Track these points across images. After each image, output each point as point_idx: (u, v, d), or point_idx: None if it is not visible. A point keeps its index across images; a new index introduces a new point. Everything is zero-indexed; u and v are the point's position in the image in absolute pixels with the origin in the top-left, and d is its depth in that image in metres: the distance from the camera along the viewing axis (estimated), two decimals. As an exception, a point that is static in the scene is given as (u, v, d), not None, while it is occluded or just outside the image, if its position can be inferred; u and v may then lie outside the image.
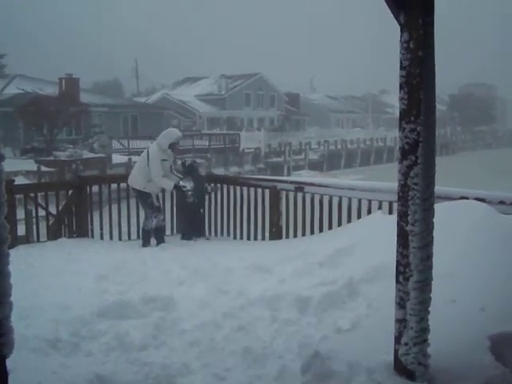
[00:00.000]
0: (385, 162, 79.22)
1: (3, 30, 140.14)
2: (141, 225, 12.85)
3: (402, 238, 4.80)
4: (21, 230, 12.39)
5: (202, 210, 13.37)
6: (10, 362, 3.56)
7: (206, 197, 13.38)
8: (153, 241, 12.56)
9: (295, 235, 11.78)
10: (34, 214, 12.94)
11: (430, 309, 4.79)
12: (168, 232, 13.83)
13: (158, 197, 12.79)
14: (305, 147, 68.70)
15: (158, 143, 12.50)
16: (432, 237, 4.74)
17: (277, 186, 12.05)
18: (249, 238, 12.70)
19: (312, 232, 11.42)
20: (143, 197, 12.51)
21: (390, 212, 9.89)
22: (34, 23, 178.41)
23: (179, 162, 13.84)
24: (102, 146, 46.03)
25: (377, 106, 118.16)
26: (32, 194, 12.96)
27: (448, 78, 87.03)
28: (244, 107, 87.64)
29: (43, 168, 37.17)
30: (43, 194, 13.05)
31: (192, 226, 13.02)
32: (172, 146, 12.67)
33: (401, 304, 4.85)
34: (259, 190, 12.44)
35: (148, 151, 12.48)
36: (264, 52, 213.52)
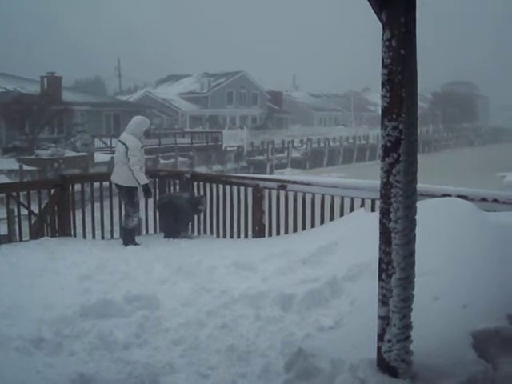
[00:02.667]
0: (367, 159, 79.47)
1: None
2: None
3: (385, 235, 4.82)
4: (3, 229, 12.35)
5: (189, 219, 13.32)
6: (-7, 362, 3.56)
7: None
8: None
9: (278, 233, 11.79)
10: (16, 213, 12.88)
11: (412, 306, 4.82)
12: (151, 230, 13.83)
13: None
14: (287, 145, 68.79)
15: (134, 133, 12.42)
16: (414, 234, 4.76)
17: (259, 184, 12.04)
18: (232, 237, 12.68)
19: (295, 230, 11.43)
20: (130, 194, 12.40)
21: (373, 209, 9.94)
22: (15, 21, 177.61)
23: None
24: (84, 145, 45.97)
25: (359, 104, 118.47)
26: (14, 193, 12.89)
27: (430, 76, 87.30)
28: (226, 105, 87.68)
29: (25, 167, 37.06)
30: (25, 192, 12.97)
31: (177, 225, 12.97)
32: (145, 133, 12.89)
33: (384, 301, 4.87)
34: (242, 189, 12.43)
35: (124, 143, 12.34)
36: (246, 50, 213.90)
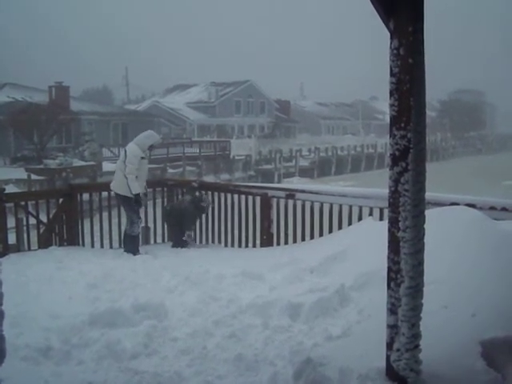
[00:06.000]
0: (375, 168, 79.26)
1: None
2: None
3: (393, 244, 4.81)
4: (11, 238, 12.35)
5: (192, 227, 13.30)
6: (1, 371, 3.55)
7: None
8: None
9: (286, 242, 11.79)
10: (24, 223, 12.90)
11: (421, 315, 4.80)
12: (159, 240, 13.85)
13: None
14: (295, 154, 68.71)
15: (138, 144, 12.42)
16: (423, 243, 4.75)
17: (268, 193, 12.05)
18: (240, 246, 12.69)
19: (303, 239, 11.42)
20: (129, 202, 12.42)
21: (381, 218, 9.92)
22: (23, 31, 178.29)
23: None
24: (92, 154, 46.01)
25: (367, 113, 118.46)
26: (23, 203, 12.92)
27: (438, 85, 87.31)
28: (234, 114, 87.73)
29: (34, 176, 37.06)
30: (34, 202, 13.02)
31: (183, 233, 13.00)
32: (151, 148, 12.84)
33: (392, 310, 4.86)
34: (250, 198, 12.44)
35: (125, 151, 12.42)
36: (254, 59, 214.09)
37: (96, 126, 56.90)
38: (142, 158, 12.39)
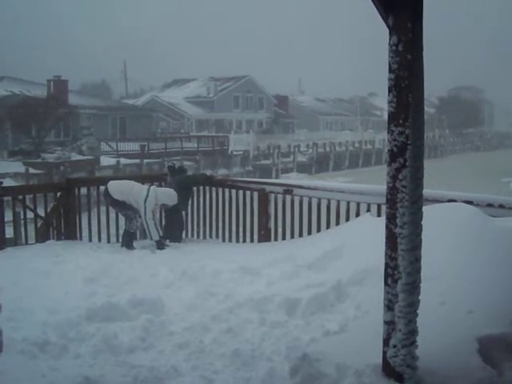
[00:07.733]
0: (373, 164, 79.15)
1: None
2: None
3: (391, 240, 4.81)
4: (9, 232, 12.34)
5: (183, 213, 13.39)
6: (-2, 365, 3.55)
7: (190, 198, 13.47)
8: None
9: (284, 238, 11.77)
10: (22, 217, 12.88)
11: (418, 311, 4.81)
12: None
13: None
14: (293, 150, 68.66)
15: (157, 195, 12.34)
16: (420, 239, 4.75)
17: (265, 188, 12.04)
18: (237, 241, 12.68)
19: (301, 234, 11.41)
20: (123, 205, 12.43)
21: (379, 214, 9.90)
22: (20, 24, 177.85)
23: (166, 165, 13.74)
24: (90, 148, 45.96)
25: (365, 109, 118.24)
26: (20, 196, 12.91)
27: (436, 81, 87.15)
28: (233, 109, 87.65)
29: (31, 170, 37.11)
30: (31, 196, 13.01)
31: (174, 229, 13.03)
32: (163, 206, 12.87)
33: (389, 306, 4.86)
34: (248, 193, 12.43)
35: (149, 190, 12.29)
36: (253, 54, 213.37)
37: (94, 121, 56.83)
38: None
